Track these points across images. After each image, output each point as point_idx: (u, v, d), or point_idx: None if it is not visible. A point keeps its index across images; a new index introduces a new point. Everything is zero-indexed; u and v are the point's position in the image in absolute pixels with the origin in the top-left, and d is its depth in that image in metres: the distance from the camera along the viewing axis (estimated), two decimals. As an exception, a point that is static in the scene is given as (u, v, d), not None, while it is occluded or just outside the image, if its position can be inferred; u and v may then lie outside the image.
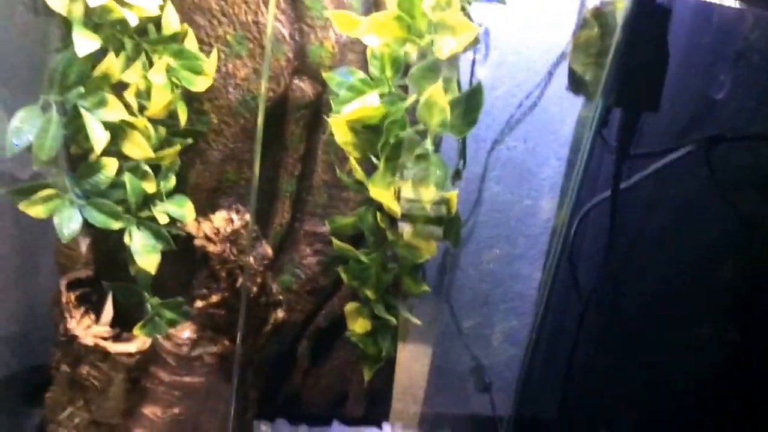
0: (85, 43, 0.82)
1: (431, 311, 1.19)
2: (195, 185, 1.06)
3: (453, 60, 0.88)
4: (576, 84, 0.81)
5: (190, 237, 0.99)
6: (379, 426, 1.20)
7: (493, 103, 1.02)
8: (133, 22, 0.86)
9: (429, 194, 0.89)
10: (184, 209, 0.99)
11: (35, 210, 0.87)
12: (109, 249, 0.98)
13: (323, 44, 1.03)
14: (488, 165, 1.09)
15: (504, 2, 0.88)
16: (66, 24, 0.84)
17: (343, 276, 1.07)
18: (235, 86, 1.03)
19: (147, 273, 0.94)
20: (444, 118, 0.86)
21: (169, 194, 1.00)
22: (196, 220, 1.00)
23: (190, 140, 1.00)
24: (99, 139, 0.86)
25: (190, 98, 0.99)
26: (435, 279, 1.17)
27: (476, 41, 0.86)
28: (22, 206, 0.86)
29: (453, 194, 0.91)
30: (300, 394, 1.20)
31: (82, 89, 0.85)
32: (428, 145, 0.89)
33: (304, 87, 1.06)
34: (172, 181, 1.00)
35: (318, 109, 1.08)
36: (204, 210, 1.02)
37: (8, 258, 1.06)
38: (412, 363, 1.20)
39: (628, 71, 0.75)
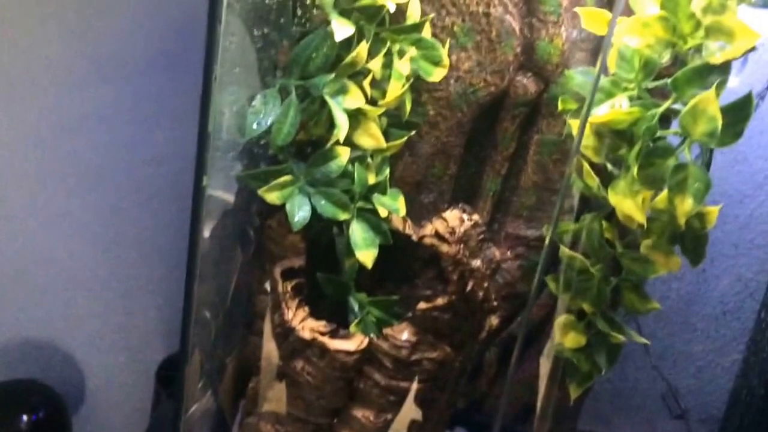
0: (343, 29, 0.79)
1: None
2: (400, 178, 1.02)
3: (725, 66, 0.81)
4: None
5: (397, 233, 0.95)
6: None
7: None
8: (392, 8, 0.82)
9: (686, 207, 0.82)
10: (397, 202, 0.95)
11: (271, 196, 0.84)
12: (318, 239, 0.94)
13: (553, 41, 0.98)
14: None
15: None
16: (306, 8, 0.81)
17: (551, 285, 1.01)
18: (457, 78, 0.98)
19: (357, 269, 0.91)
20: (713, 128, 0.80)
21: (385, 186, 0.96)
22: (403, 217, 0.97)
23: (413, 132, 0.95)
24: (342, 126, 0.83)
25: (411, 89, 0.94)
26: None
27: (754, 48, 0.79)
28: (261, 191, 0.83)
29: (714, 210, 0.84)
30: (483, 403, 1.15)
31: (329, 75, 0.81)
32: (687, 154, 0.83)
33: (527, 84, 1.01)
34: (387, 172, 0.95)
35: (537, 108, 1.03)
36: (406, 205, 0.98)
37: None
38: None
39: None
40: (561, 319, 1.00)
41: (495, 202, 1.09)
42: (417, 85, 0.94)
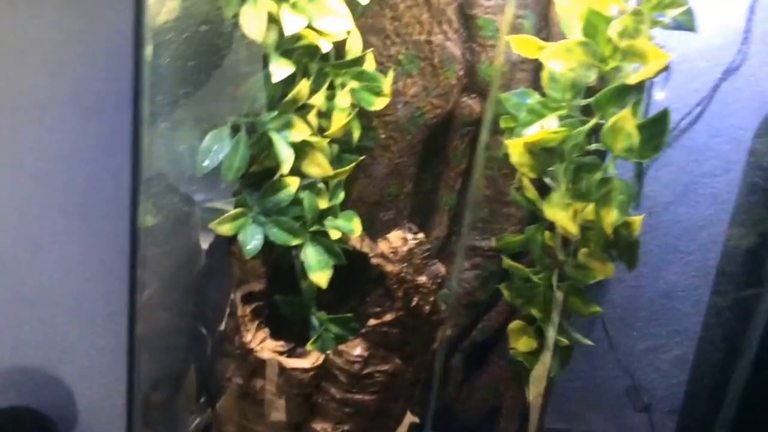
0: (281, 69, 0.84)
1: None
2: (357, 198, 1.07)
3: (640, 86, 0.86)
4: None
5: (354, 252, 1.01)
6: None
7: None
8: (327, 48, 0.87)
9: (611, 217, 0.88)
10: (352, 224, 1.01)
11: (224, 228, 0.90)
12: (278, 263, 1.00)
13: (493, 63, 1.03)
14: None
15: (694, 30, 0.86)
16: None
17: (505, 293, 1.07)
18: (405, 103, 1.03)
19: (315, 288, 0.96)
20: (631, 144, 0.85)
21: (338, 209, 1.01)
22: (360, 235, 1.02)
23: (362, 157, 1.01)
24: (286, 159, 0.88)
25: (360, 115, 1.00)
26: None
27: (666, 68, 0.84)
28: (213, 225, 0.89)
29: (638, 219, 0.90)
30: (452, 407, 1.21)
31: (273, 112, 0.87)
32: (611, 168, 0.88)
33: (472, 104, 1.06)
34: (341, 196, 1.01)
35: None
36: (365, 223, 1.04)
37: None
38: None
39: None
40: (513, 324, 1.05)
41: (452, 215, 1.14)
42: (367, 110, 1.00)
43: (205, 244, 1.08)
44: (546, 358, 1.02)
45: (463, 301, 1.14)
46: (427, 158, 1.11)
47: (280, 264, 1.00)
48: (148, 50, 0.79)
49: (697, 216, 1.13)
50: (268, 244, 0.93)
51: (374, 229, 1.07)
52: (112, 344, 1.35)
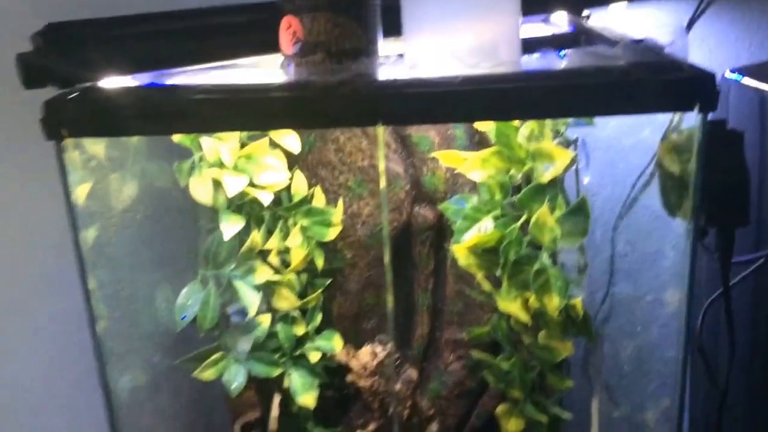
0: (231, 227, 0.95)
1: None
2: (338, 315, 1.16)
3: (553, 182, 0.95)
4: (668, 206, 0.87)
5: (340, 366, 1.09)
6: None
7: (602, 206, 1.08)
8: (267, 200, 0.97)
9: (553, 303, 0.95)
10: (332, 342, 1.09)
11: (207, 374, 0.99)
12: (270, 389, 1.09)
13: (435, 173, 1.12)
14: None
15: (592, 123, 0.95)
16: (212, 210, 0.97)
17: (489, 379, 1.14)
18: (362, 223, 1.13)
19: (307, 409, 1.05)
20: (554, 236, 0.93)
21: (317, 330, 1.10)
22: (345, 348, 1.10)
23: (329, 280, 1.10)
24: (252, 303, 0.98)
25: (324, 242, 1.09)
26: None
27: (573, 162, 0.93)
28: (196, 373, 0.98)
29: (577, 301, 0.97)
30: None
31: (233, 264, 0.97)
32: (545, 259, 0.96)
33: (424, 213, 1.15)
34: (318, 318, 1.10)
35: (441, 228, 1.17)
36: (350, 335, 1.12)
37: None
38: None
39: (713, 195, 0.80)
40: (500, 408, 1.12)
41: (431, 313, 1.22)
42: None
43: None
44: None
45: (455, 392, 1.22)
46: (399, 266, 1.19)
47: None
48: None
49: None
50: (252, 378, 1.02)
51: (360, 339, 1.15)
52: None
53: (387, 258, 0.99)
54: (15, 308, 1.25)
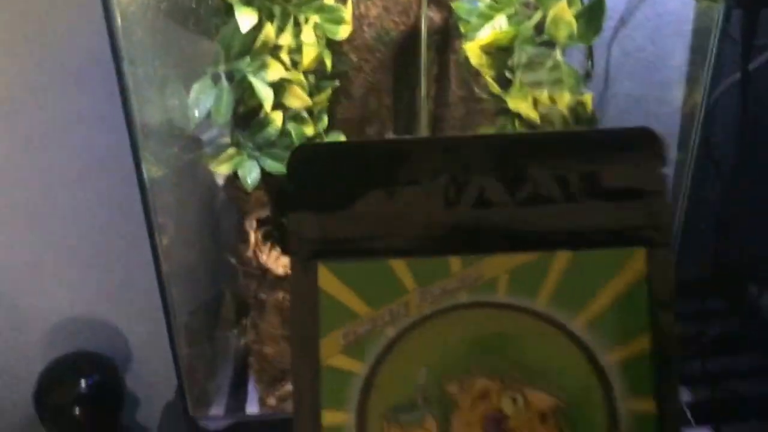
0: (246, 19, 0.93)
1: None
2: (343, 119, 1.17)
3: (572, -23, 0.94)
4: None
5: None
6: None
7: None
8: (282, -10, 0.96)
9: (564, 100, 0.97)
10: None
11: (223, 168, 1.00)
12: (276, 190, 1.11)
13: (445, -26, 1.11)
14: (615, 61, 1.15)
15: None
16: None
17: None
18: (369, 25, 1.12)
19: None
20: (571, 32, 0.93)
21: (325, 132, 1.11)
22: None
23: (337, 83, 1.10)
24: (267, 98, 0.98)
25: (331, 43, 1.09)
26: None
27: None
28: (213, 166, 1.00)
29: (588, 96, 0.99)
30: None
31: (248, 58, 0.97)
32: (558, 56, 0.97)
33: (432, 15, 1.14)
34: (326, 120, 1.11)
35: (447, 32, 1.16)
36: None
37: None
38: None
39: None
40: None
41: (431, 118, 1.23)
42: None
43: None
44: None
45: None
46: (401, 72, 1.20)
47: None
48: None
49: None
50: (266, 174, 1.04)
51: (363, 144, 1.17)
52: (145, 285, 1.48)
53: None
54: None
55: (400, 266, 0.37)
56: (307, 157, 0.39)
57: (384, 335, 0.37)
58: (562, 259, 0.37)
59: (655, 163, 0.37)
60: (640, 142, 0.38)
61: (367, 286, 0.37)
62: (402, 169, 0.37)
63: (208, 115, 0.98)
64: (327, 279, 0.37)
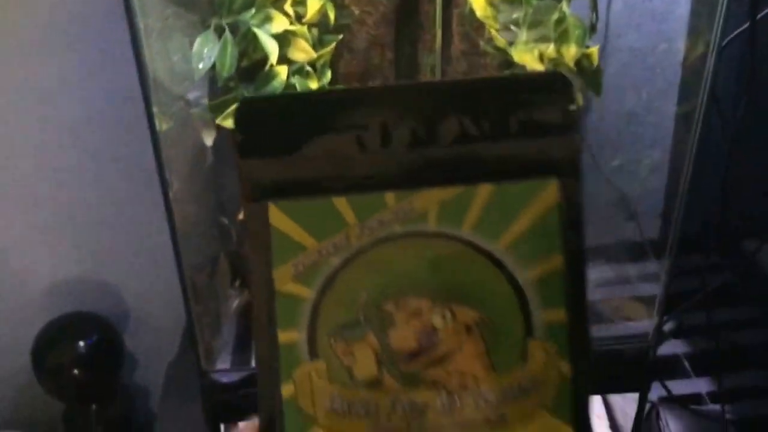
0: (250, -31, 0.92)
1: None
2: (345, 73, 1.16)
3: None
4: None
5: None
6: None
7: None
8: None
9: (571, 52, 0.96)
10: (343, 97, 1.10)
11: (228, 122, 1.00)
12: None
13: (448, -75, 1.10)
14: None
15: None
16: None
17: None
18: (372, -23, 1.11)
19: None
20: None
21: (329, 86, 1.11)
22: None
23: (340, 36, 1.09)
24: (273, 50, 0.97)
25: (333, -2, 1.08)
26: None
27: None
28: (219, 120, 0.99)
29: (594, 49, 0.98)
30: None
31: (251, 10, 0.96)
32: (565, 7, 0.96)
33: (435, -33, 1.14)
34: (329, 74, 1.10)
35: (449, -14, 1.16)
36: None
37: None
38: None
39: None
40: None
41: (433, 73, 1.23)
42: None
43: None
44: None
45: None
46: (403, 27, 1.19)
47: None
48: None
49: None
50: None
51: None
52: (142, 244, 1.48)
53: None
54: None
55: (341, 203, 0.41)
56: (253, 110, 0.42)
57: (329, 264, 0.41)
58: (484, 191, 0.41)
59: (565, 103, 0.40)
60: (552, 84, 0.41)
61: (313, 222, 0.41)
62: (342, 116, 0.41)
63: (213, 68, 0.97)
64: (277, 217, 0.41)
